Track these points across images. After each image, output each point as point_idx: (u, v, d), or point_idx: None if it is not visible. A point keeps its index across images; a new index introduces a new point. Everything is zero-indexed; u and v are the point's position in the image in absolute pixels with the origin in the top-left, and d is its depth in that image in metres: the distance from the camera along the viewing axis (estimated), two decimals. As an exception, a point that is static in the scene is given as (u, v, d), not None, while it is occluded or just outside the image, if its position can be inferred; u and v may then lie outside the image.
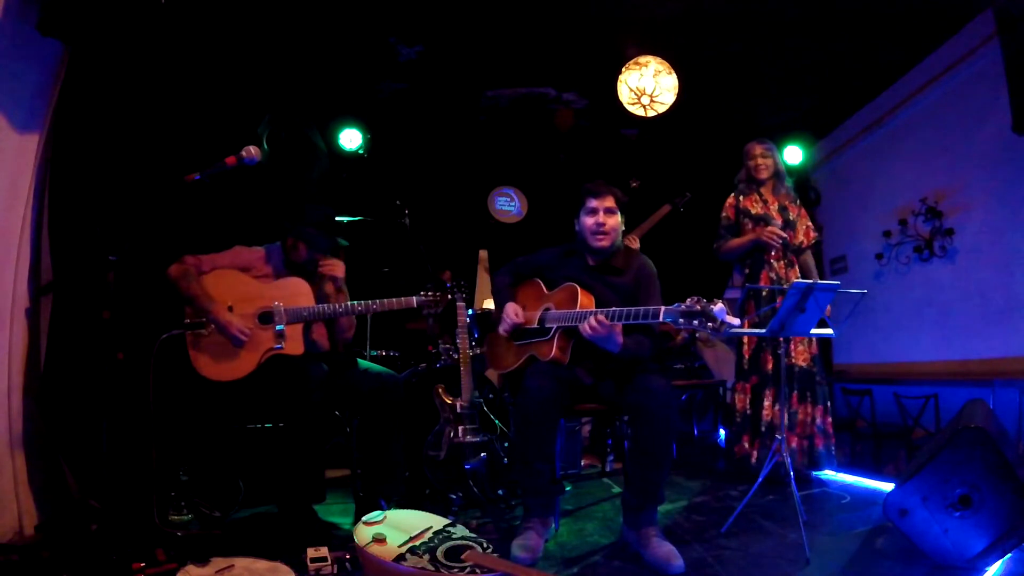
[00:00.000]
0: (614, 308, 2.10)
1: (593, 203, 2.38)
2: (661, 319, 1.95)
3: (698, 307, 1.85)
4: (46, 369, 2.38)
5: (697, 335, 4.74)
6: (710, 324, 1.82)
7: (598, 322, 2.08)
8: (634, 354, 2.23)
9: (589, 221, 2.39)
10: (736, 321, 1.84)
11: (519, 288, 2.57)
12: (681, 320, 1.88)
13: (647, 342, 2.27)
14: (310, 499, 2.36)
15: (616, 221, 2.39)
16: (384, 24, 3.69)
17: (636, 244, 3.94)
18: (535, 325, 2.38)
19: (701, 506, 2.74)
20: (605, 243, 2.38)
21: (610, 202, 2.38)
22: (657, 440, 2.10)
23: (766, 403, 3.11)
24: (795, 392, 3.11)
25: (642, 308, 2.03)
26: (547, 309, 2.37)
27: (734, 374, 3.34)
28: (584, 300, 2.26)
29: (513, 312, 2.40)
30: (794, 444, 3.08)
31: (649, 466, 2.12)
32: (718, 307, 1.82)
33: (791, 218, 3.27)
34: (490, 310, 2.80)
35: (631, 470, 2.20)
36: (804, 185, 5.11)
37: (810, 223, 3.35)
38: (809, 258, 3.38)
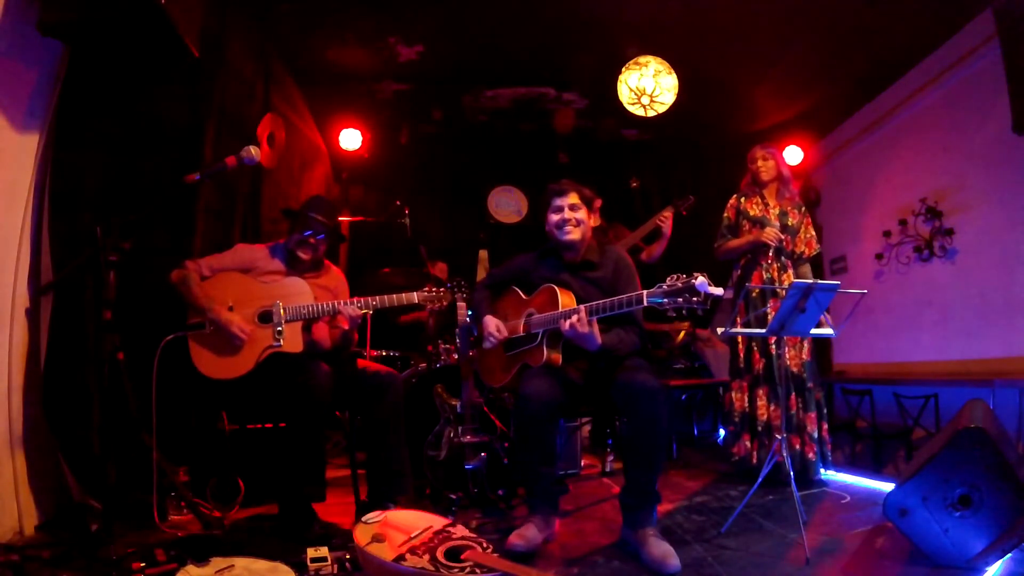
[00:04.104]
0: (596, 301, 2.09)
1: (558, 201, 2.42)
2: (645, 303, 1.94)
3: (680, 283, 1.83)
4: (46, 369, 2.38)
5: (698, 335, 4.74)
6: (695, 299, 1.81)
7: (578, 320, 2.08)
8: (617, 349, 2.23)
9: (555, 218, 2.42)
10: (719, 290, 1.82)
11: (499, 300, 2.57)
12: (666, 300, 1.86)
13: (629, 338, 2.27)
14: (310, 499, 2.36)
15: (583, 215, 2.41)
16: (384, 24, 3.69)
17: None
18: (521, 333, 2.38)
19: (701, 506, 2.74)
20: (574, 235, 2.39)
21: (574, 198, 2.41)
22: (645, 439, 2.09)
23: (759, 402, 3.10)
24: (792, 394, 3.07)
25: (624, 296, 2.02)
26: (530, 315, 2.36)
27: (728, 372, 3.33)
28: (564, 299, 2.26)
29: (494, 327, 2.40)
30: (796, 446, 3.05)
31: (639, 464, 2.12)
32: (699, 280, 1.80)
33: (790, 223, 3.23)
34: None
35: (625, 469, 2.22)
36: (804, 185, 5.10)
37: (813, 233, 3.29)
38: (807, 270, 3.29)
